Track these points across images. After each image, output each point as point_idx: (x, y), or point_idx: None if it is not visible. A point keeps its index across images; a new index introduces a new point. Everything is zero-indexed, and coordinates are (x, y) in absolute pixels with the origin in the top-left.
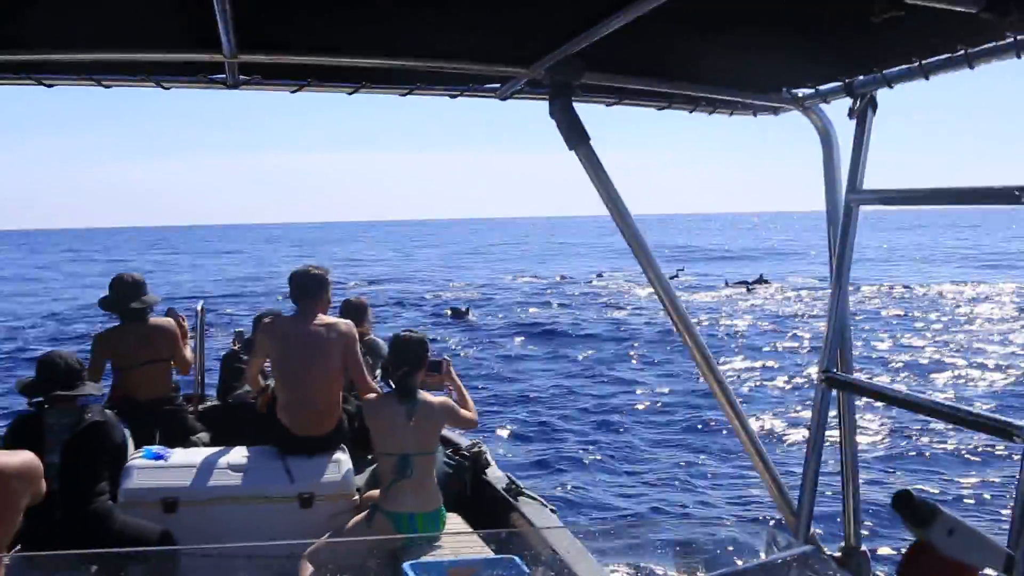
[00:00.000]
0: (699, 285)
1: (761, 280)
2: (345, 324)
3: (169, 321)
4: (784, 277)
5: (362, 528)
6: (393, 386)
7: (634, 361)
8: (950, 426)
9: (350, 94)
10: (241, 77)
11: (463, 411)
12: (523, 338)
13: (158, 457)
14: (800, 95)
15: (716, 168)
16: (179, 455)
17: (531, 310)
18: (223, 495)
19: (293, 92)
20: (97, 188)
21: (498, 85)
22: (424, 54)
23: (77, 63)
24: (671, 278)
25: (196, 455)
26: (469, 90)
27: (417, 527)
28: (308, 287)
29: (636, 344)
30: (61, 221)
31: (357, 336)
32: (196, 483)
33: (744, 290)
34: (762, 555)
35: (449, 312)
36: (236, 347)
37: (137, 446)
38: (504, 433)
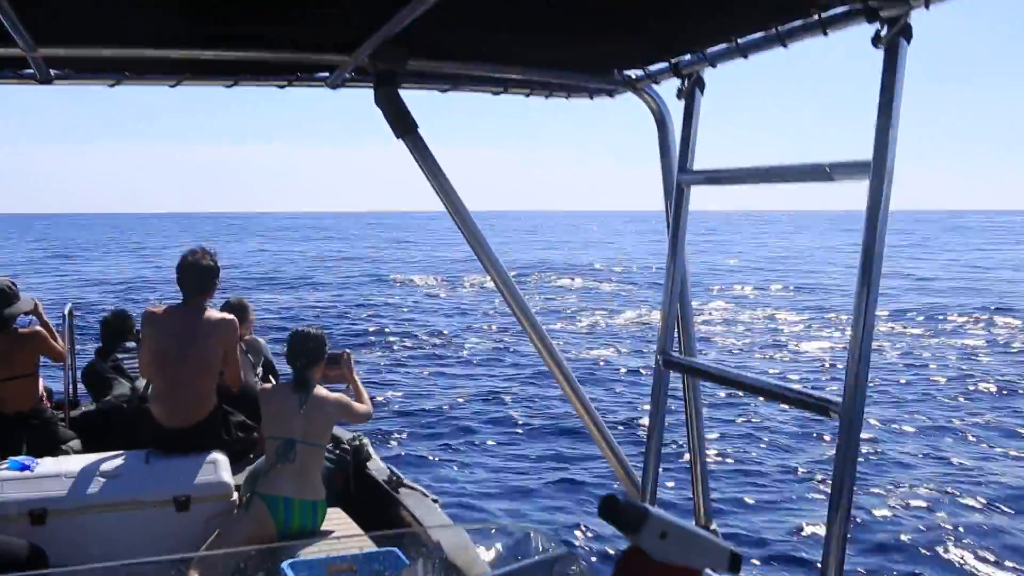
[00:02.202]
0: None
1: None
2: (227, 318)
3: (32, 330)
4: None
5: (240, 515)
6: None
7: (471, 352)
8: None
9: (172, 87)
10: (53, 72)
11: (357, 405)
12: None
13: (24, 468)
14: (633, 76)
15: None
16: (47, 464)
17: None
18: (95, 503)
19: (111, 86)
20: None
21: (327, 74)
22: (248, 45)
23: None
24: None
25: (65, 463)
26: (298, 80)
27: (293, 513)
28: (197, 278)
29: (475, 337)
30: None
31: (238, 331)
32: (66, 492)
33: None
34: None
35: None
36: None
37: (2, 457)
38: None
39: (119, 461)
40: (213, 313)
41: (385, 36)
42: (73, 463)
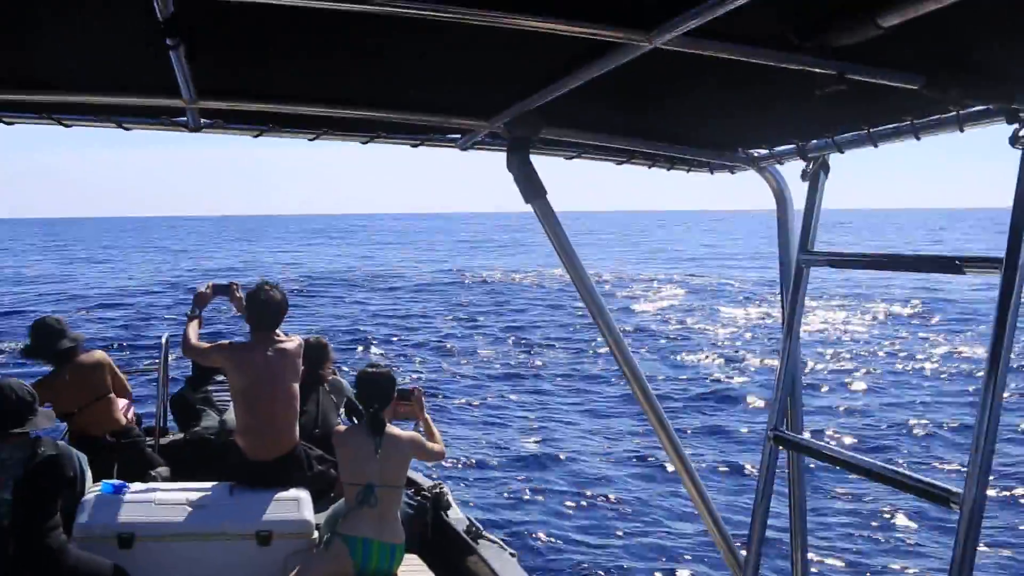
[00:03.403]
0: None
1: None
2: (295, 343)
3: (99, 354)
4: None
5: (320, 553)
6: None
7: (581, 402)
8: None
9: (311, 139)
10: (203, 121)
11: (430, 444)
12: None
13: (115, 491)
14: (756, 155)
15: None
16: (137, 490)
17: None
18: (180, 531)
19: (255, 136)
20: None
21: (459, 136)
22: (385, 105)
23: (38, 104)
24: None
25: (154, 491)
26: (430, 140)
27: (372, 555)
28: (270, 315)
29: (583, 385)
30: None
31: (302, 354)
32: (153, 518)
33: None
34: None
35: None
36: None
37: (95, 479)
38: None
39: (206, 492)
40: (288, 344)
41: (527, 106)
42: (161, 491)
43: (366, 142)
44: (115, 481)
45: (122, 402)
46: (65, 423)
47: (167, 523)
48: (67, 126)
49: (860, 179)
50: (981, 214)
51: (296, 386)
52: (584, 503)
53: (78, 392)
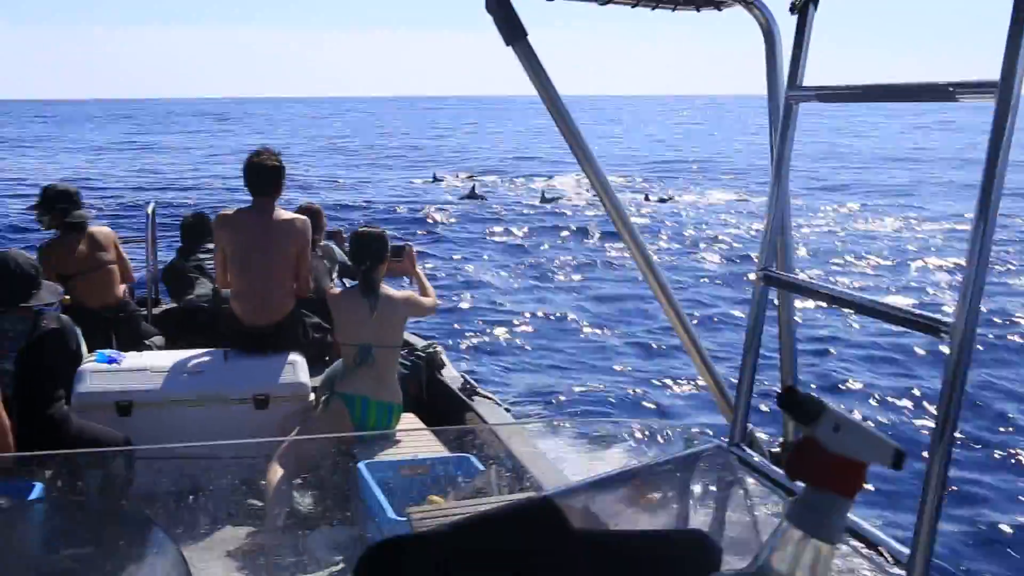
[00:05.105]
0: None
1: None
2: (302, 220)
3: (107, 229)
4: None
5: (319, 412)
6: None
7: (575, 260)
8: (884, 323)
9: None
10: None
11: (424, 299)
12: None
13: (112, 361)
14: None
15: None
16: (133, 358)
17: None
18: (178, 397)
19: None
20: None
21: None
22: None
23: None
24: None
25: (150, 358)
26: None
27: (370, 413)
28: (265, 179)
29: (575, 243)
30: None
31: (310, 232)
32: (151, 386)
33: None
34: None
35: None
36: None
37: (91, 350)
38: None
39: (202, 358)
40: (286, 213)
41: None
42: (157, 358)
43: None
44: (111, 351)
45: (122, 287)
46: (63, 289)
47: (164, 389)
48: None
49: None
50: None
51: (292, 253)
52: (575, 351)
53: (83, 258)
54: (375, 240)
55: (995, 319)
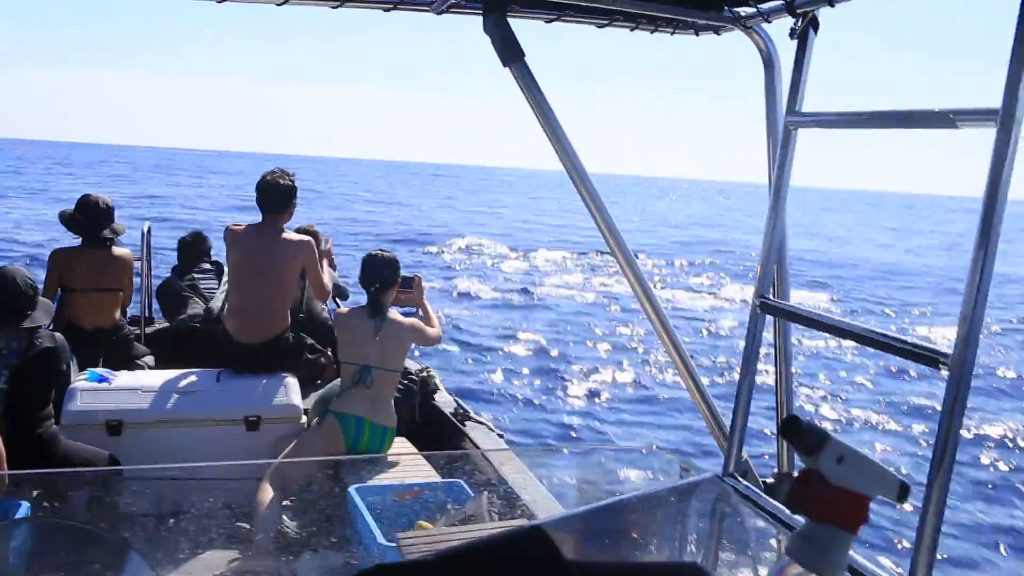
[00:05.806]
0: None
1: None
2: (305, 239)
3: (128, 252)
4: None
5: (311, 432)
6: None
7: (572, 282)
8: (882, 353)
9: (279, 6)
10: None
11: (428, 329)
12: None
13: (103, 380)
14: (742, 14)
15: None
16: (124, 378)
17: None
18: (169, 418)
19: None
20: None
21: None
22: None
23: None
24: None
25: (141, 378)
26: (403, 3)
27: (364, 434)
28: (276, 199)
29: (573, 268)
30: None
31: (315, 250)
32: (141, 405)
33: None
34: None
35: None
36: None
37: (81, 368)
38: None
39: (193, 378)
40: (291, 234)
41: None
42: (148, 378)
43: (336, 6)
44: (101, 369)
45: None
46: (55, 305)
47: (155, 409)
48: None
49: None
50: None
51: (289, 273)
52: (569, 379)
53: (91, 276)
54: (387, 265)
55: (992, 351)
